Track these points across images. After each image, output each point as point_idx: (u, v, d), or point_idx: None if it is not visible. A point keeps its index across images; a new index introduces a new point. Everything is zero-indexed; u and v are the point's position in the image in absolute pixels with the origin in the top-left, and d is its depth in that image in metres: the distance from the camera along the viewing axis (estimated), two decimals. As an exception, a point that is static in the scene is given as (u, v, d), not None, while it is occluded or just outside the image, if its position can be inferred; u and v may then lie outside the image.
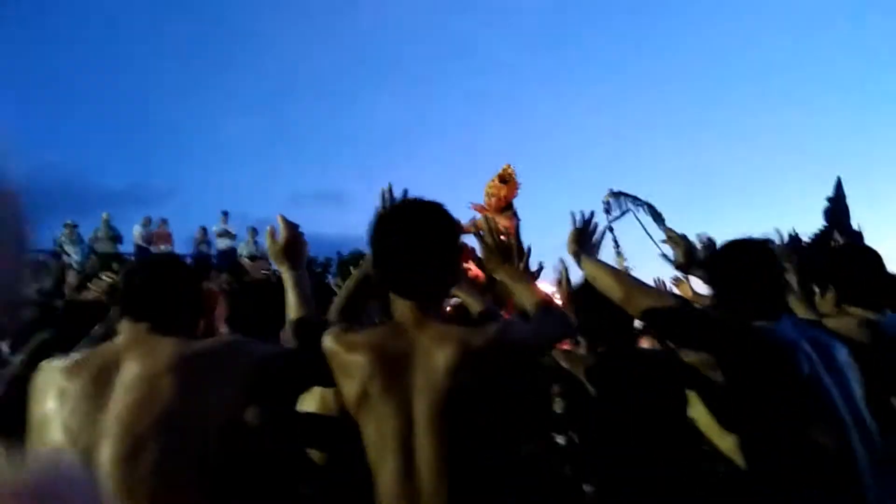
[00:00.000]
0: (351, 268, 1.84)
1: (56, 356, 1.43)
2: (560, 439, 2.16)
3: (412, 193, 1.56)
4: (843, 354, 1.62)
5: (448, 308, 2.19)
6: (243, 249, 11.75)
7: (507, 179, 5.36)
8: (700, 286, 2.57)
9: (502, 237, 1.78)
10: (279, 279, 1.69)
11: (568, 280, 2.55)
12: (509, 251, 1.71)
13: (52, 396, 1.32)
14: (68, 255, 10.37)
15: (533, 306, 1.59)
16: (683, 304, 1.74)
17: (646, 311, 1.65)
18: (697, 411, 1.67)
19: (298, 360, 1.51)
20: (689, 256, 2.24)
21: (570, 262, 1.94)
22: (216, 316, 2.43)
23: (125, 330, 1.43)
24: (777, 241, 2.34)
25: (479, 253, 1.82)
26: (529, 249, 1.76)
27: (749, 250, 1.67)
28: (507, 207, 5.35)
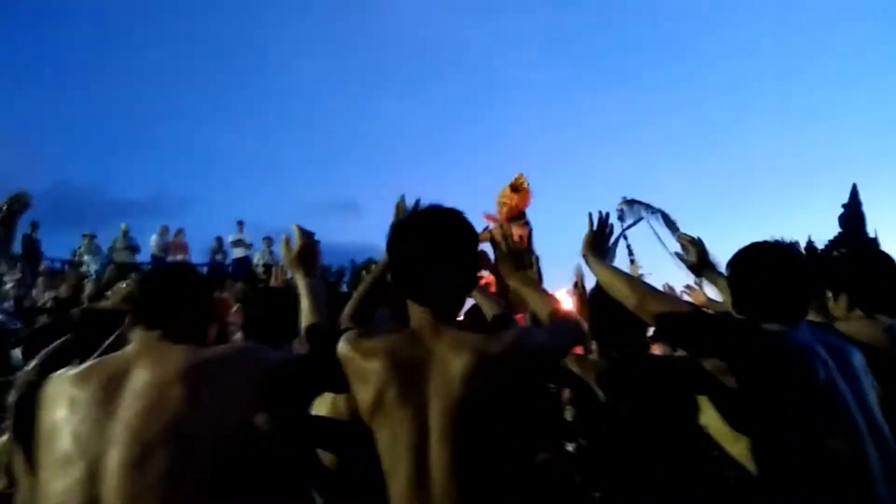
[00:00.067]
0: (364, 272, 1.86)
1: (72, 363, 1.44)
2: (570, 447, 2.15)
3: (426, 203, 1.57)
4: (858, 359, 1.60)
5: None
6: (258, 259, 11.83)
7: (518, 189, 5.38)
8: (713, 293, 2.56)
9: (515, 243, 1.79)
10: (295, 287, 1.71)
11: (583, 285, 2.55)
12: (522, 258, 1.72)
13: (63, 405, 1.32)
14: (86, 265, 10.53)
15: (546, 313, 1.58)
16: (696, 310, 1.74)
17: (658, 316, 1.65)
18: (709, 416, 1.66)
19: (310, 366, 1.51)
20: (702, 257, 2.24)
21: (586, 268, 1.94)
22: (232, 324, 2.46)
23: (137, 337, 1.43)
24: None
25: (493, 259, 1.82)
26: (538, 258, 1.77)
27: (772, 252, 1.66)
28: (519, 216, 5.37)
